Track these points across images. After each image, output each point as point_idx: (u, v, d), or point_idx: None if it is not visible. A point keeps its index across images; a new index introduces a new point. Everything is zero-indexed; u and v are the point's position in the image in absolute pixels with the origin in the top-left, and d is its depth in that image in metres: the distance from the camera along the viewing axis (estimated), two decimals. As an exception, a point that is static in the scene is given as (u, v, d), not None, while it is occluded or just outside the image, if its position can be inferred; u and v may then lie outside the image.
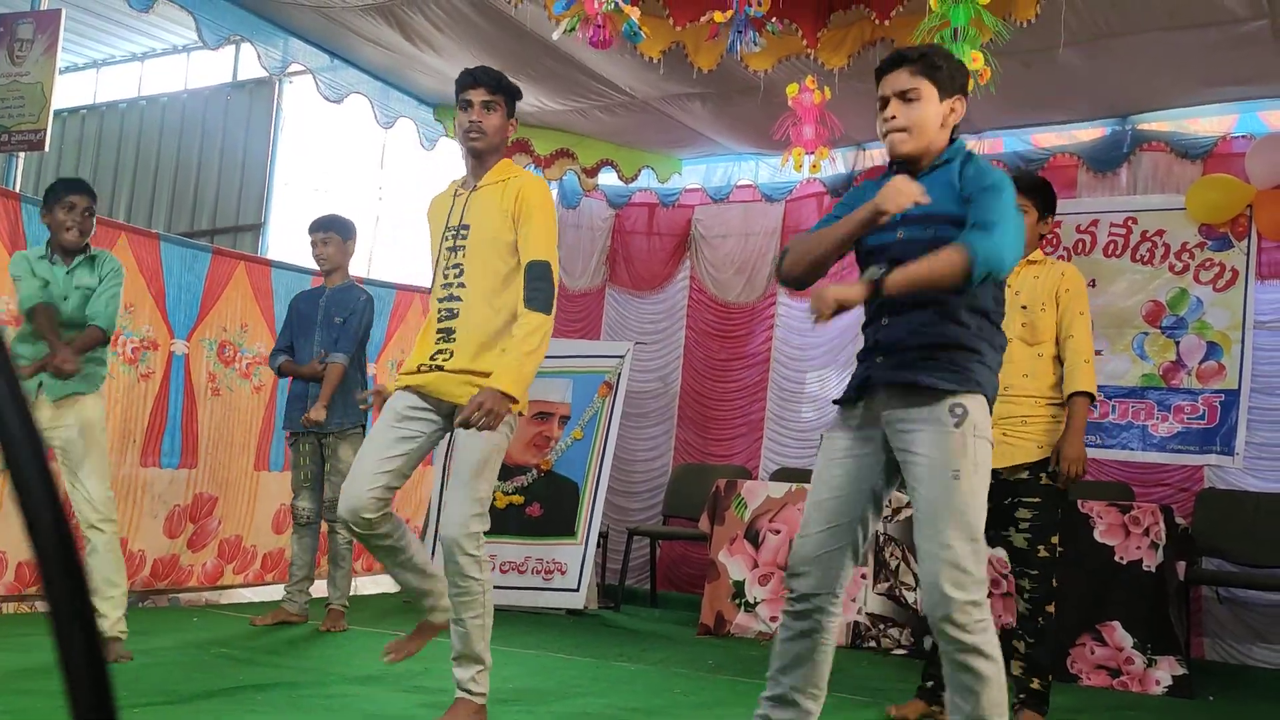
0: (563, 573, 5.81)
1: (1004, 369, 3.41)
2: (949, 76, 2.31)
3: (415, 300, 6.74)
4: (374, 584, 6.49)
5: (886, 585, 5.02)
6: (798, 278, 2.37)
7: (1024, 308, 3.50)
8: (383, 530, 2.92)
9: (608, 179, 7.23)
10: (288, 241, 8.59)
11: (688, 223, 7.22)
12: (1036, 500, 3.37)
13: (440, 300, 2.99)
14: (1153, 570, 4.46)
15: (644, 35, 4.28)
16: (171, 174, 9.59)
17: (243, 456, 5.66)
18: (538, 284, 2.86)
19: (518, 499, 6.08)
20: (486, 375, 2.84)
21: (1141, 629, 4.43)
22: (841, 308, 2.13)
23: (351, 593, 5.46)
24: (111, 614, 3.61)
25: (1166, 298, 5.72)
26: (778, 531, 5.26)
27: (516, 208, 2.91)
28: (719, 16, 4.34)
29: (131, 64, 10.00)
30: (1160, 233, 5.77)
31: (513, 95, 3.03)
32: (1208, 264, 5.65)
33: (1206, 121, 5.81)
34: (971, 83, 4.33)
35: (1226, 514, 5.19)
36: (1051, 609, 3.39)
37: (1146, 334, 5.74)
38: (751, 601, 5.26)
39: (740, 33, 4.33)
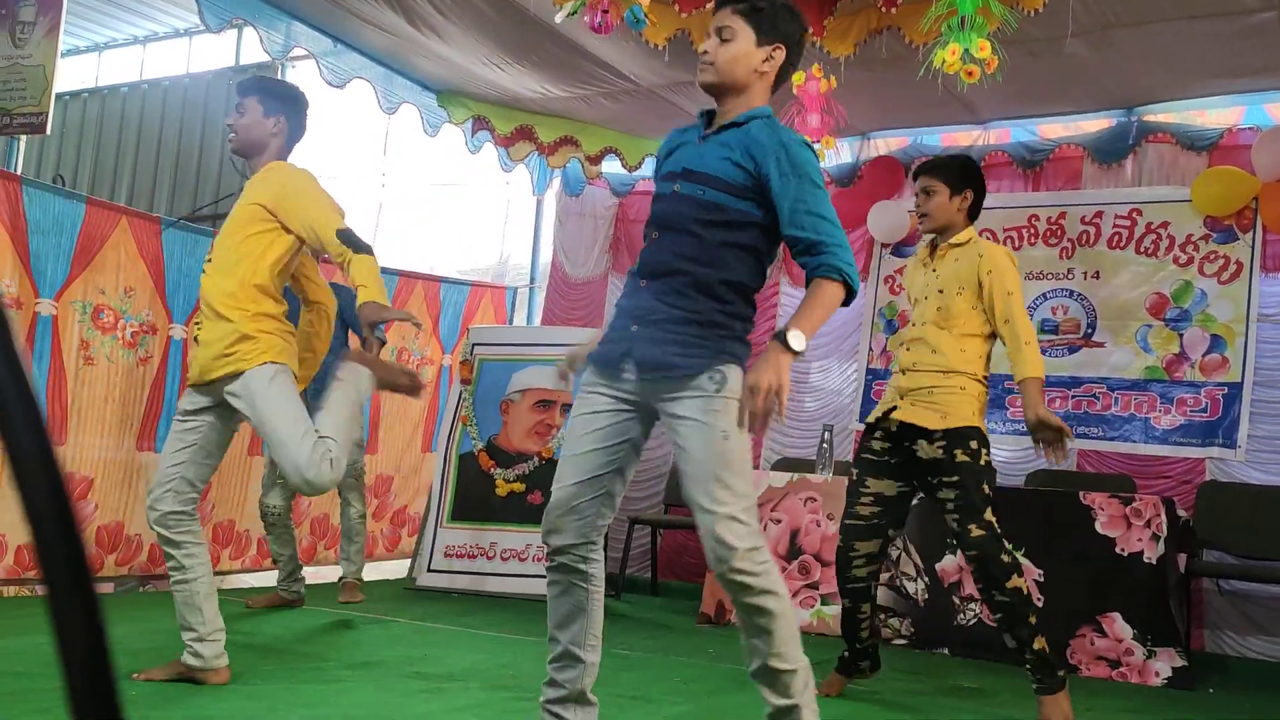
0: (563, 560, 5.80)
1: (913, 349, 3.46)
2: (770, 22, 2.31)
3: (417, 286, 6.73)
4: (375, 571, 6.49)
5: (887, 576, 5.01)
6: None
7: (940, 292, 3.46)
8: (177, 536, 3.03)
9: (611, 167, 7.20)
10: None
11: (691, 211, 7.19)
12: (955, 479, 3.26)
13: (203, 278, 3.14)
14: (1153, 562, 4.45)
15: (646, 23, 4.26)
16: (173, 158, 9.56)
17: (236, 442, 5.63)
18: (346, 239, 2.98)
19: (519, 487, 6.07)
20: (231, 348, 2.96)
21: (1142, 621, 4.43)
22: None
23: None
24: None
25: (1171, 290, 5.70)
26: (778, 521, 5.25)
27: (268, 195, 3.06)
28: (725, 3, 4.31)
29: (133, 47, 9.97)
30: (1165, 225, 5.75)
31: (267, 94, 3.14)
32: (1212, 256, 5.63)
33: (1213, 114, 5.79)
34: (978, 71, 4.34)
35: (1228, 507, 5.19)
36: (1015, 584, 3.22)
37: (1150, 326, 5.72)
38: (752, 591, 5.26)
39: (746, 19, 4.30)
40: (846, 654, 3.65)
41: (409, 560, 6.18)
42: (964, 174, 3.55)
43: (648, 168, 7.15)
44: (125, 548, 5.10)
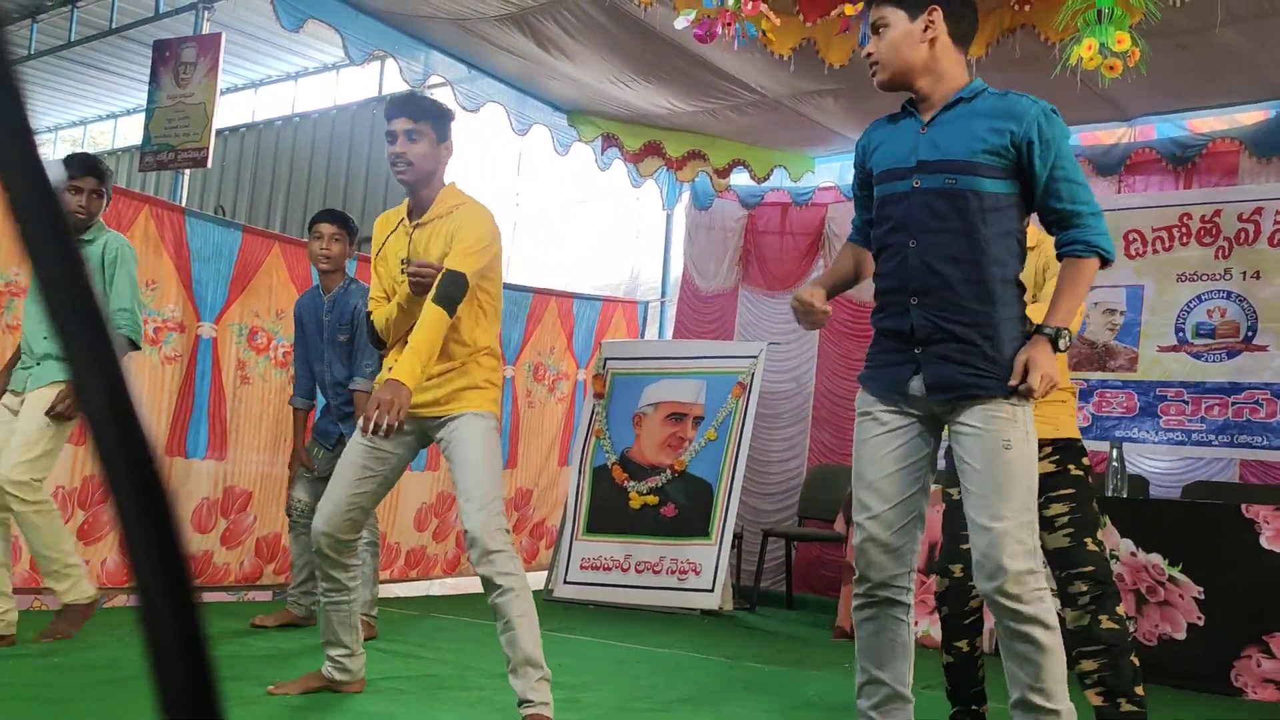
0: (697, 573, 5.82)
1: None
2: None
3: (551, 303, 6.86)
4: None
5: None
6: None
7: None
8: (347, 560, 3.00)
9: (740, 179, 7.20)
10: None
11: (821, 221, 7.13)
12: (1070, 493, 2.98)
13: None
14: (1327, 580, 4.16)
15: (756, 34, 4.27)
16: (323, 187, 10.02)
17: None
18: (448, 289, 2.79)
19: (652, 499, 6.12)
20: (462, 389, 2.89)
21: (1314, 642, 4.15)
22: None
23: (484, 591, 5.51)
24: (58, 586, 3.65)
25: (1341, 289, 5.33)
26: (916, 534, 5.13)
27: (455, 237, 2.88)
28: (849, 10, 4.27)
29: (286, 83, 10.51)
30: (1333, 219, 5.39)
31: (439, 119, 2.94)
32: (1388, 252, 5.24)
33: (1385, 99, 5.40)
34: (1120, 65, 4.16)
35: None
36: (1122, 611, 2.94)
37: (1318, 328, 5.36)
38: (889, 605, 5.15)
39: (872, 25, 4.25)
40: (963, 712, 3.17)
41: (546, 572, 6.29)
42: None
43: (776, 179, 7.12)
44: (283, 558, 5.34)
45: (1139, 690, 2.90)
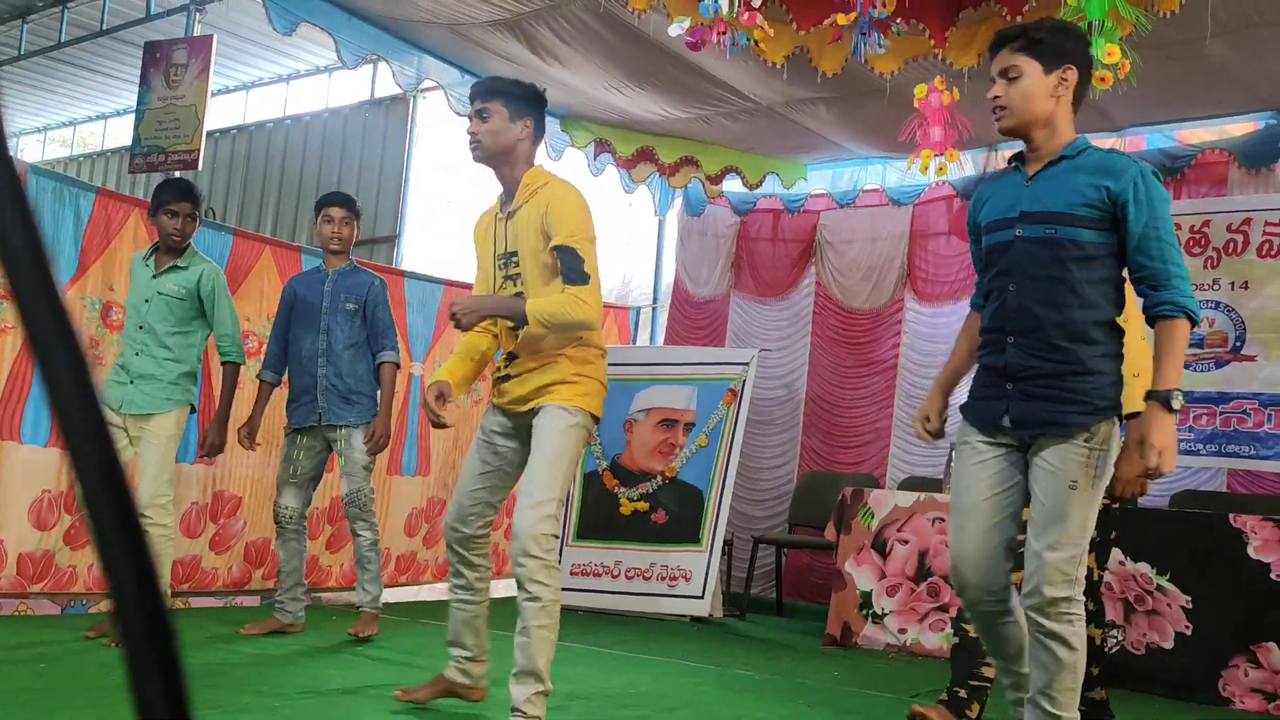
0: (687, 580, 5.81)
1: None
2: (1053, 47, 2.33)
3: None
4: (504, 588, 6.61)
5: (1021, 600, 4.85)
6: None
7: None
8: (475, 558, 2.99)
9: (732, 185, 7.22)
10: (422, 253, 8.87)
11: (813, 228, 7.15)
12: None
13: (510, 326, 2.93)
14: (1314, 590, 4.18)
15: (748, 43, 4.30)
16: (314, 189, 9.99)
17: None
18: (569, 264, 2.81)
19: (643, 506, 6.11)
20: (548, 384, 2.85)
21: (1301, 652, 4.16)
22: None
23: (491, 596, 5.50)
24: None
25: (1329, 300, 5.36)
26: (905, 542, 5.14)
27: (547, 220, 2.84)
28: (842, 19, 4.28)
29: (278, 85, 10.49)
30: (1321, 231, 5.42)
31: (510, 95, 2.87)
32: (1375, 263, 5.27)
33: (1373, 111, 5.44)
34: (1110, 77, 4.18)
35: (1398, 531, 4.82)
36: (1091, 630, 3.16)
37: (1306, 338, 5.39)
38: (879, 613, 5.15)
39: (864, 35, 4.27)
40: (960, 692, 3.24)
41: (536, 577, 6.27)
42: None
43: (769, 185, 7.13)
44: (272, 563, 5.32)
45: (1095, 694, 3.23)
